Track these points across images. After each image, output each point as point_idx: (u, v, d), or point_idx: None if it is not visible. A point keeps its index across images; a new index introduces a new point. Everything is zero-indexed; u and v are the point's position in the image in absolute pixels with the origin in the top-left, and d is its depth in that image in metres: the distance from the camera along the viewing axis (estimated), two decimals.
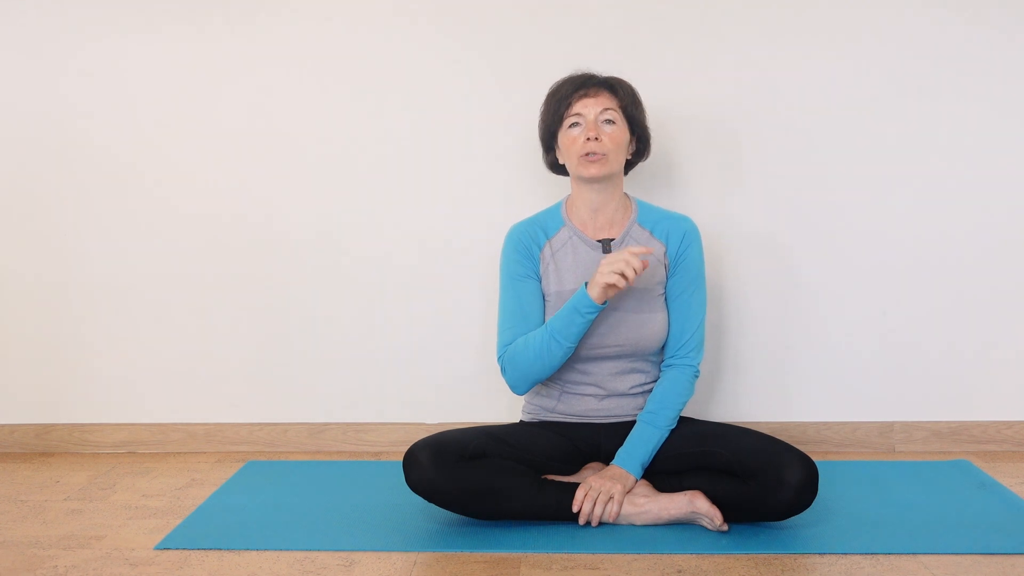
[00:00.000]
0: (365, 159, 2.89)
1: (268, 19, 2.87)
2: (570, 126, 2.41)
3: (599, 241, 2.44)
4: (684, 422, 2.43)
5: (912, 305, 2.87)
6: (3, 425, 2.99)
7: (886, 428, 2.89)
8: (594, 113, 2.39)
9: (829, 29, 2.82)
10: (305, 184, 2.90)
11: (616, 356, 2.40)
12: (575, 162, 2.41)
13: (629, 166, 2.53)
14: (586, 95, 2.40)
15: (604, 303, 2.28)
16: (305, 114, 2.89)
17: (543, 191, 2.81)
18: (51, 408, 2.99)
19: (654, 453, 2.35)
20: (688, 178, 2.86)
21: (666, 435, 2.36)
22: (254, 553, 2.17)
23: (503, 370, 2.42)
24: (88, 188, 2.93)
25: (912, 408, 2.89)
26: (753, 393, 2.90)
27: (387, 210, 2.90)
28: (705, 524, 2.24)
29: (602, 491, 2.25)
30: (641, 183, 2.82)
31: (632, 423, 2.41)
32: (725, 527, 2.22)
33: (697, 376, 2.44)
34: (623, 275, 2.23)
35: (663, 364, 2.45)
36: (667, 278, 2.44)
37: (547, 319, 2.41)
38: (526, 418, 2.51)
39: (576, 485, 2.29)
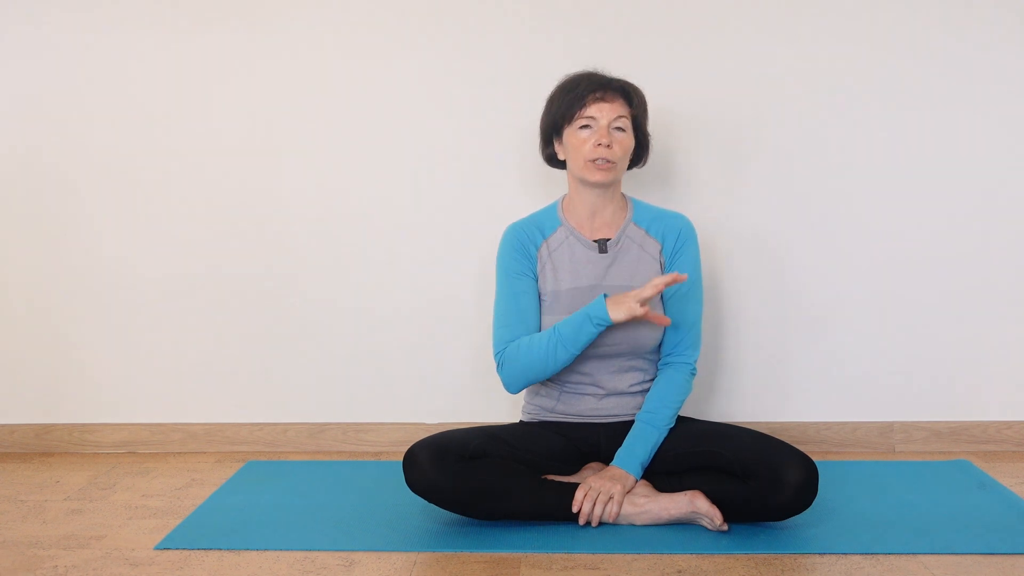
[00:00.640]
0: (365, 160, 2.89)
1: (268, 16, 2.87)
2: (581, 127, 2.39)
3: (595, 241, 2.44)
4: (684, 422, 2.43)
5: (912, 305, 2.87)
6: (3, 425, 2.99)
7: (886, 428, 2.89)
8: (608, 119, 2.37)
9: (829, 29, 2.81)
10: (305, 185, 2.90)
11: (615, 355, 2.39)
12: (581, 164, 2.39)
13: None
14: (603, 99, 2.38)
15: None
16: (305, 114, 2.89)
17: (543, 191, 2.82)
18: (51, 408, 2.99)
19: (654, 453, 2.35)
20: (687, 178, 2.86)
21: (665, 434, 2.36)
22: (254, 553, 2.17)
23: (499, 366, 2.42)
24: (88, 188, 2.92)
25: (912, 408, 2.89)
26: (753, 393, 2.90)
27: (387, 210, 2.90)
28: (705, 524, 2.24)
29: (602, 491, 2.25)
30: (641, 182, 2.82)
31: (631, 423, 2.41)
32: (725, 527, 2.21)
33: (694, 373, 2.44)
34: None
35: (660, 362, 2.45)
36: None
37: (543, 319, 2.41)
38: (526, 418, 2.51)
39: (576, 485, 2.29)
